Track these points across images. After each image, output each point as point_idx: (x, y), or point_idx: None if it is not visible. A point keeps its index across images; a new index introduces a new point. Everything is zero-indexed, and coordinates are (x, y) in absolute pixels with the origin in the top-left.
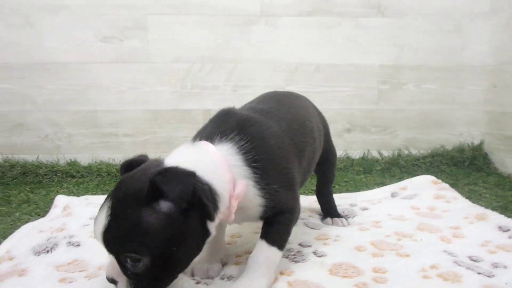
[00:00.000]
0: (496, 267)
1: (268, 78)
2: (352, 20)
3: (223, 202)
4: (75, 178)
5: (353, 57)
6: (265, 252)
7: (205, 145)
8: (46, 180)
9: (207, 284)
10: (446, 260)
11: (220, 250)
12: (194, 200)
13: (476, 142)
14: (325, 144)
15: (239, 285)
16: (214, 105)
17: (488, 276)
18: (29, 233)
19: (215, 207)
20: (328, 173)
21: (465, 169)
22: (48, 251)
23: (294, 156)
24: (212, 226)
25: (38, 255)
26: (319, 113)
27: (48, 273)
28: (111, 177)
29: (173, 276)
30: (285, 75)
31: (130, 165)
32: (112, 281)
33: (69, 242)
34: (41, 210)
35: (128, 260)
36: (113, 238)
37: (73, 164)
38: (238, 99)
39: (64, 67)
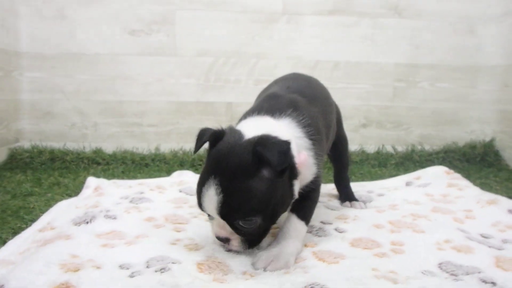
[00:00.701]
0: (505, 242)
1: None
2: (370, 20)
3: None
4: (100, 165)
5: (371, 55)
6: (295, 225)
7: (270, 118)
8: (73, 166)
9: (238, 252)
10: (458, 235)
11: None
12: (288, 164)
13: (488, 139)
14: (338, 129)
15: (272, 251)
16: (236, 98)
17: (498, 249)
18: (66, 209)
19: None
20: (343, 158)
21: (477, 164)
22: (87, 222)
23: (325, 133)
24: (296, 187)
25: (79, 225)
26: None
27: (91, 239)
28: (135, 165)
29: (271, 227)
30: (305, 71)
31: (215, 138)
32: (225, 240)
33: (106, 215)
34: (72, 192)
35: (241, 222)
36: (229, 210)
37: (98, 151)
38: None
39: (93, 59)
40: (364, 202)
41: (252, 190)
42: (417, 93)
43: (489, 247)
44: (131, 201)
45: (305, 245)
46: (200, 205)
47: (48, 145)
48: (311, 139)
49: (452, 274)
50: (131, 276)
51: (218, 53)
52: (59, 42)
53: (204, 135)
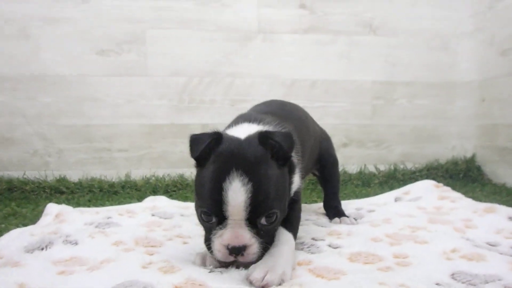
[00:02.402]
0: None
1: (266, 93)
2: (346, 38)
3: None
4: (64, 194)
5: (348, 73)
6: (284, 236)
7: (252, 124)
8: (33, 196)
9: (221, 273)
10: (465, 244)
11: None
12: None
13: (469, 155)
14: (325, 150)
15: (267, 261)
16: (212, 119)
17: (510, 255)
18: (18, 236)
19: None
20: (333, 179)
21: (460, 180)
22: (42, 249)
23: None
24: (295, 183)
25: (31, 252)
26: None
27: (46, 267)
28: (103, 193)
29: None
30: (282, 90)
31: (216, 140)
32: (240, 249)
33: (66, 241)
34: (30, 222)
35: (264, 219)
36: (258, 204)
37: (62, 180)
38: (236, 114)
39: (59, 80)
40: (355, 218)
41: (272, 180)
42: (395, 110)
43: (500, 254)
44: (96, 226)
45: (299, 263)
46: (216, 207)
47: (6, 174)
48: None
49: (470, 284)
50: None
51: (192, 73)
52: (21, 63)
53: (201, 139)
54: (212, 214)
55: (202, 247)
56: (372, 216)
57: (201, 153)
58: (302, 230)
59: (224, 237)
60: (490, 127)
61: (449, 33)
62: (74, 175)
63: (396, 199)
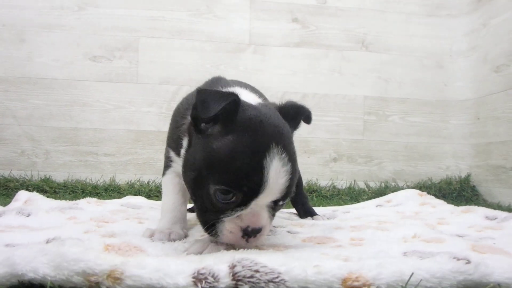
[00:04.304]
0: (482, 238)
1: None
2: (338, 53)
3: None
4: (47, 193)
5: (339, 87)
6: None
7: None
8: (15, 193)
9: (162, 243)
10: (430, 232)
11: (182, 220)
12: None
13: (463, 175)
14: None
15: (200, 239)
16: None
17: (475, 241)
18: None
19: None
20: None
21: (454, 200)
22: None
23: None
24: None
25: None
26: None
27: None
28: (85, 194)
29: None
30: (272, 101)
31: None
32: (257, 232)
33: (20, 212)
34: None
35: (281, 202)
36: (290, 187)
37: (47, 180)
38: None
39: (50, 83)
40: (328, 218)
41: (297, 159)
42: (388, 127)
43: (466, 240)
44: (60, 210)
45: None
46: (249, 186)
47: None
48: None
49: (419, 257)
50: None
51: (182, 81)
52: (15, 66)
53: (218, 97)
54: (236, 191)
55: (154, 226)
56: (346, 215)
57: (217, 114)
58: None
59: (244, 219)
60: (485, 146)
61: (443, 52)
62: (59, 177)
63: (378, 206)
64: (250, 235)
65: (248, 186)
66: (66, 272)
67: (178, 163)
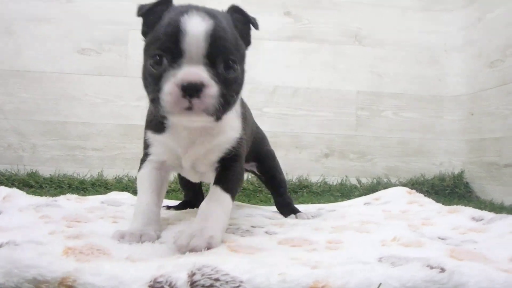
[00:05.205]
0: (464, 242)
1: (246, 98)
2: (330, 47)
3: None
4: (32, 188)
5: (332, 82)
6: (219, 196)
7: None
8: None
9: (129, 244)
10: (411, 234)
11: (155, 222)
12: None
13: (457, 171)
14: (260, 146)
15: (195, 226)
16: None
17: (455, 245)
18: None
19: None
20: (276, 174)
21: (447, 197)
22: None
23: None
24: None
25: None
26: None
27: None
28: (71, 189)
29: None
30: (263, 96)
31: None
32: (196, 88)
33: None
34: None
35: (222, 66)
36: (217, 42)
37: (33, 174)
38: None
39: (38, 77)
40: (313, 216)
41: (233, 33)
42: (381, 122)
43: (445, 244)
44: (37, 207)
45: (223, 242)
46: (169, 41)
47: None
48: (242, 107)
49: (391, 264)
50: None
51: None
52: (2, 59)
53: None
54: (164, 53)
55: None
56: (330, 214)
57: (149, 14)
58: (245, 220)
59: (178, 75)
60: (479, 142)
61: (437, 46)
62: (46, 171)
63: (365, 204)
64: (190, 93)
65: (169, 42)
66: (15, 279)
67: (156, 143)
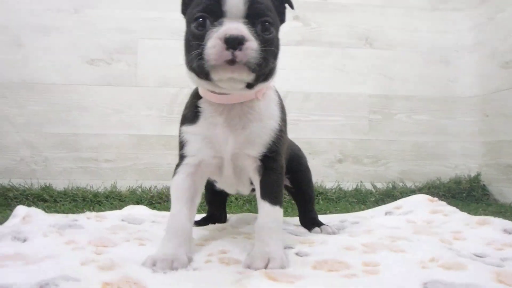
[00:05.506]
0: (504, 260)
1: None
2: (341, 50)
3: None
4: (47, 202)
5: (343, 86)
6: (272, 214)
7: None
8: (15, 203)
9: (164, 273)
10: (447, 253)
11: (187, 241)
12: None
13: (473, 174)
14: (298, 161)
15: (263, 249)
16: None
17: (498, 266)
18: None
19: None
20: (308, 190)
21: (464, 200)
22: None
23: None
24: None
25: None
26: None
27: None
28: (86, 202)
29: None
30: None
31: None
32: (238, 41)
33: (15, 237)
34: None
35: (260, 27)
36: (257, 4)
37: (47, 188)
38: None
39: (48, 88)
40: (337, 229)
41: (271, 4)
42: (394, 125)
43: (486, 264)
44: (59, 228)
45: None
46: (215, 2)
47: None
48: (279, 98)
49: None
50: None
51: (182, 83)
52: (11, 70)
53: None
54: (207, 14)
55: (156, 250)
56: (355, 227)
57: None
58: None
59: (220, 29)
60: (495, 144)
61: (448, 47)
62: (59, 184)
63: (387, 213)
64: (233, 46)
65: (211, 4)
66: None
67: (192, 139)
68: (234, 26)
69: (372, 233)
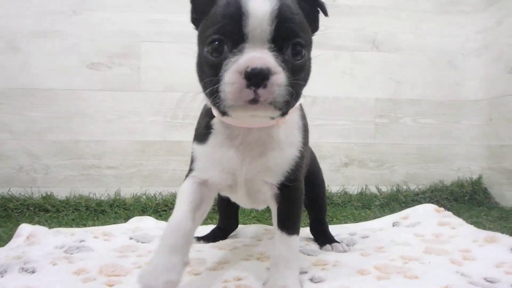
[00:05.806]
0: None
1: None
2: (348, 54)
3: None
4: (49, 212)
5: (350, 90)
6: (288, 243)
7: None
8: (16, 214)
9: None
10: (460, 280)
11: (185, 244)
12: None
13: (475, 177)
14: (315, 172)
15: (279, 282)
16: None
17: None
18: None
19: None
20: (321, 201)
21: (466, 203)
22: None
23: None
24: None
25: None
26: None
27: None
28: (90, 211)
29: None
30: None
31: None
32: (262, 75)
33: (22, 268)
34: (4, 243)
35: (289, 51)
36: (283, 24)
37: (48, 197)
38: None
39: (48, 94)
40: (347, 245)
41: (301, 15)
42: (399, 129)
43: None
44: (66, 251)
45: None
46: (230, 24)
47: None
48: (303, 118)
49: None
50: None
51: (186, 88)
52: (9, 76)
53: None
54: (224, 37)
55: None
56: (365, 242)
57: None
58: None
59: (241, 61)
60: (498, 148)
61: (454, 50)
62: (61, 193)
63: (394, 224)
64: (256, 82)
65: (229, 24)
66: None
67: (200, 157)
68: (258, 55)
69: (383, 252)
